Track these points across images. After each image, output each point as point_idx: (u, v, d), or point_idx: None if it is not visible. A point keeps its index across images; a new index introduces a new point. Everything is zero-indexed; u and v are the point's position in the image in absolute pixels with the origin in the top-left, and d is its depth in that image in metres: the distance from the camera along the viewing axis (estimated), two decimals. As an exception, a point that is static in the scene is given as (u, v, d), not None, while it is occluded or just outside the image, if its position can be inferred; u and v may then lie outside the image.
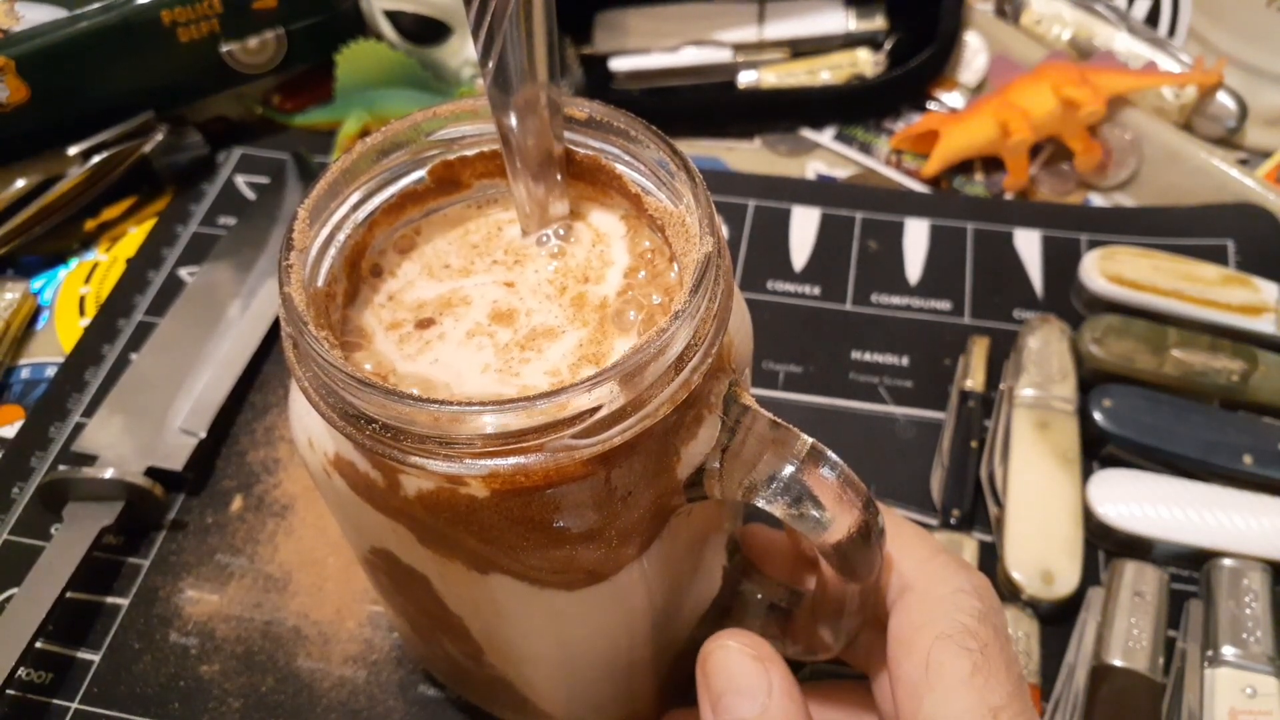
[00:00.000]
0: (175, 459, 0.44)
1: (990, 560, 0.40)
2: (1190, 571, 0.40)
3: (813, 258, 0.53)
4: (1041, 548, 0.40)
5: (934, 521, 0.42)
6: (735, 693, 0.27)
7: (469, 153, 0.29)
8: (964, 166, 0.57)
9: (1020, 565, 0.39)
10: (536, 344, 0.26)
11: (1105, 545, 0.41)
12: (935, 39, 0.59)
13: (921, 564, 0.28)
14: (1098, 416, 0.43)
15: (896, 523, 0.29)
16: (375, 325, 0.27)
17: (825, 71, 0.60)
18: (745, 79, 0.60)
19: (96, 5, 0.52)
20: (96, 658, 0.40)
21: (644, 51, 0.60)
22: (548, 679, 0.32)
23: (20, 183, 0.53)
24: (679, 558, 0.28)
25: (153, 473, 0.43)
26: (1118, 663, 0.36)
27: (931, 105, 0.60)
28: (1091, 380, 0.45)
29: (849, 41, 0.61)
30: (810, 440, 0.25)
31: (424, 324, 0.27)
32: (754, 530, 0.35)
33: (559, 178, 0.28)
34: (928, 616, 0.26)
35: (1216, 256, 0.50)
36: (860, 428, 0.46)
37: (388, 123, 0.27)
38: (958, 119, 0.56)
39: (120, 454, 0.44)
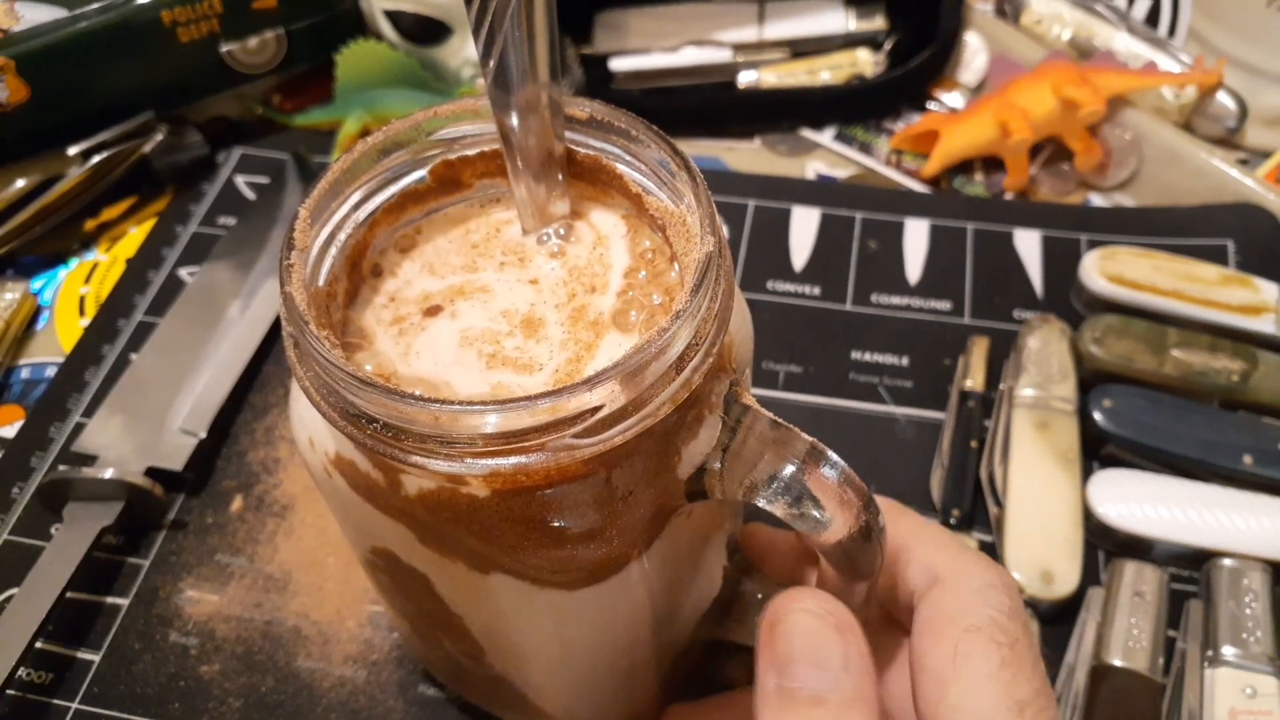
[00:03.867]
0: (175, 459, 0.44)
1: (990, 560, 0.40)
2: (1190, 571, 0.40)
3: (813, 258, 0.53)
4: (1041, 548, 0.40)
5: (933, 520, 0.42)
6: (807, 661, 0.25)
7: (470, 152, 0.29)
8: (964, 166, 0.57)
9: (1020, 565, 0.39)
10: (524, 352, 0.26)
11: (1105, 545, 0.41)
12: (935, 39, 0.59)
13: (952, 558, 0.28)
14: (1098, 416, 0.43)
15: (919, 519, 0.30)
16: (376, 325, 0.27)
17: (825, 71, 0.60)
18: (745, 79, 0.60)
19: (96, 5, 0.52)
20: (96, 658, 0.40)
21: (644, 51, 0.60)
22: (548, 679, 0.32)
23: (20, 183, 0.53)
24: (680, 557, 0.29)
25: (153, 473, 0.43)
26: (1118, 663, 0.36)
27: (931, 105, 0.61)
28: (1091, 380, 0.45)
29: (849, 41, 0.61)
30: (811, 440, 0.25)
31: (431, 311, 0.27)
32: (754, 530, 0.35)
33: (560, 177, 0.28)
34: (958, 608, 0.27)
35: (1216, 256, 0.50)
36: (860, 428, 0.46)
37: (388, 123, 0.27)
38: (958, 119, 0.56)
39: (120, 454, 0.44)
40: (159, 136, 0.55)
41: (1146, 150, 0.55)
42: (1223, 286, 0.47)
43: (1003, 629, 0.26)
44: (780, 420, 0.25)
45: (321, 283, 0.26)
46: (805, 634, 0.25)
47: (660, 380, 0.22)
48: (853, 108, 0.60)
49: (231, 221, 0.55)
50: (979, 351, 0.47)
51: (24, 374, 0.50)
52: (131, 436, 0.45)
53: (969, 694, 0.25)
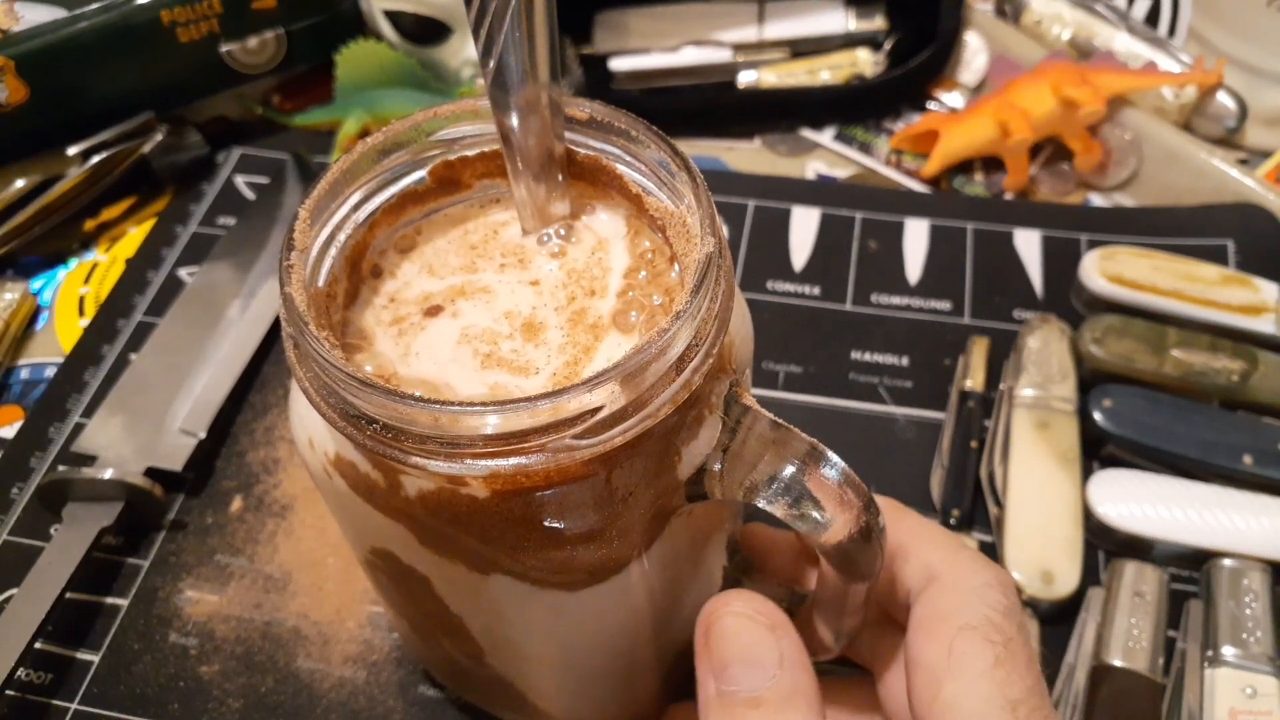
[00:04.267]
0: (175, 459, 0.44)
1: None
2: (1190, 571, 0.40)
3: (813, 258, 0.53)
4: (1041, 548, 0.40)
5: (931, 520, 0.42)
6: (742, 663, 0.26)
7: (470, 153, 0.29)
8: (964, 166, 0.57)
9: (1020, 565, 0.39)
10: (521, 355, 0.26)
11: (1105, 545, 0.41)
12: (935, 39, 0.59)
13: (949, 557, 0.28)
14: (1098, 416, 0.43)
15: (919, 518, 0.30)
16: (375, 326, 0.27)
17: (825, 71, 0.60)
18: (745, 79, 0.60)
19: (96, 5, 0.52)
20: (96, 658, 0.40)
21: (644, 51, 0.60)
22: (548, 679, 0.32)
23: (20, 183, 0.53)
24: (680, 558, 0.28)
25: (152, 473, 0.43)
26: (1118, 663, 0.36)
27: (931, 105, 0.60)
28: (1091, 380, 0.45)
29: (849, 41, 0.61)
30: (811, 440, 0.25)
31: (432, 312, 0.27)
32: (754, 530, 0.35)
33: (560, 178, 0.28)
34: (954, 606, 0.27)
35: (1216, 256, 0.50)
36: (860, 428, 0.46)
37: (387, 123, 0.27)
38: (958, 119, 0.56)
39: (120, 454, 0.44)
40: (159, 136, 0.55)
41: (1146, 150, 0.55)
42: (1223, 286, 0.47)
43: (997, 627, 0.26)
44: (780, 421, 0.25)
45: (321, 283, 0.26)
46: (738, 636, 0.26)
47: (660, 381, 0.22)
48: (853, 108, 0.60)
49: (231, 222, 0.55)
50: (979, 351, 0.47)
51: (23, 374, 0.50)
52: (131, 437, 0.45)
53: (962, 692, 0.25)
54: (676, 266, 0.27)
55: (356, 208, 0.28)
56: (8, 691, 0.37)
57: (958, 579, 0.27)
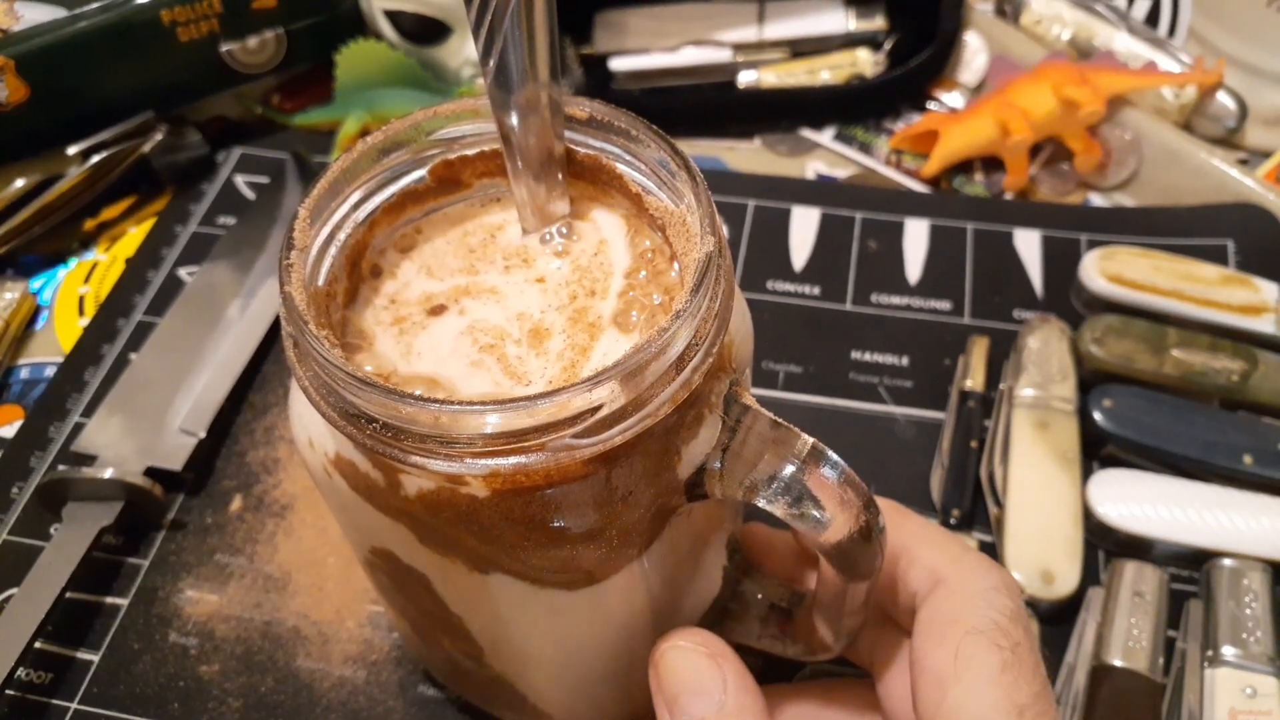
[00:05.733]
0: (175, 459, 0.44)
1: (990, 560, 0.40)
2: (1190, 571, 0.40)
3: (813, 258, 0.53)
4: (1041, 548, 0.40)
5: (934, 522, 0.42)
6: (690, 692, 0.27)
7: (469, 152, 0.29)
8: (964, 166, 0.57)
9: (1020, 565, 0.39)
10: (524, 362, 0.26)
11: (1105, 545, 0.41)
12: (935, 39, 0.59)
13: (954, 560, 0.28)
14: (1098, 416, 0.43)
15: (922, 521, 0.30)
16: (375, 326, 0.27)
17: (825, 71, 0.60)
18: (745, 79, 0.60)
19: (96, 5, 0.52)
20: (96, 658, 0.40)
21: (644, 51, 0.60)
22: (548, 679, 0.32)
23: (20, 182, 0.53)
24: (679, 558, 0.28)
25: (152, 473, 0.43)
26: (1118, 663, 0.36)
27: (931, 105, 0.60)
28: (1091, 380, 0.45)
29: (849, 41, 0.61)
30: (811, 440, 0.25)
31: (435, 311, 0.27)
32: (754, 530, 0.35)
33: (560, 177, 0.28)
34: (961, 611, 0.27)
35: (1216, 256, 0.50)
36: (860, 428, 0.46)
37: (387, 123, 0.27)
38: (958, 119, 0.56)
39: (120, 454, 0.44)
40: (159, 136, 0.55)
41: (1146, 150, 0.55)
42: (1223, 286, 0.47)
43: (1005, 632, 0.26)
44: (780, 420, 0.25)
45: (321, 282, 0.26)
46: (682, 668, 0.28)
47: (660, 380, 0.22)
48: (853, 108, 0.60)
49: (231, 221, 0.55)
50: (979, 351, 0.47)
51: (23, 374, 0.50)
52: (131, 436, 0.45)
53: (969, 697, 0.25)
54: (676, 266, 0.27)
55: (356, 207, 0.28)
56: (8, 691, 0.37)
57: (964, 583, 0.27)
